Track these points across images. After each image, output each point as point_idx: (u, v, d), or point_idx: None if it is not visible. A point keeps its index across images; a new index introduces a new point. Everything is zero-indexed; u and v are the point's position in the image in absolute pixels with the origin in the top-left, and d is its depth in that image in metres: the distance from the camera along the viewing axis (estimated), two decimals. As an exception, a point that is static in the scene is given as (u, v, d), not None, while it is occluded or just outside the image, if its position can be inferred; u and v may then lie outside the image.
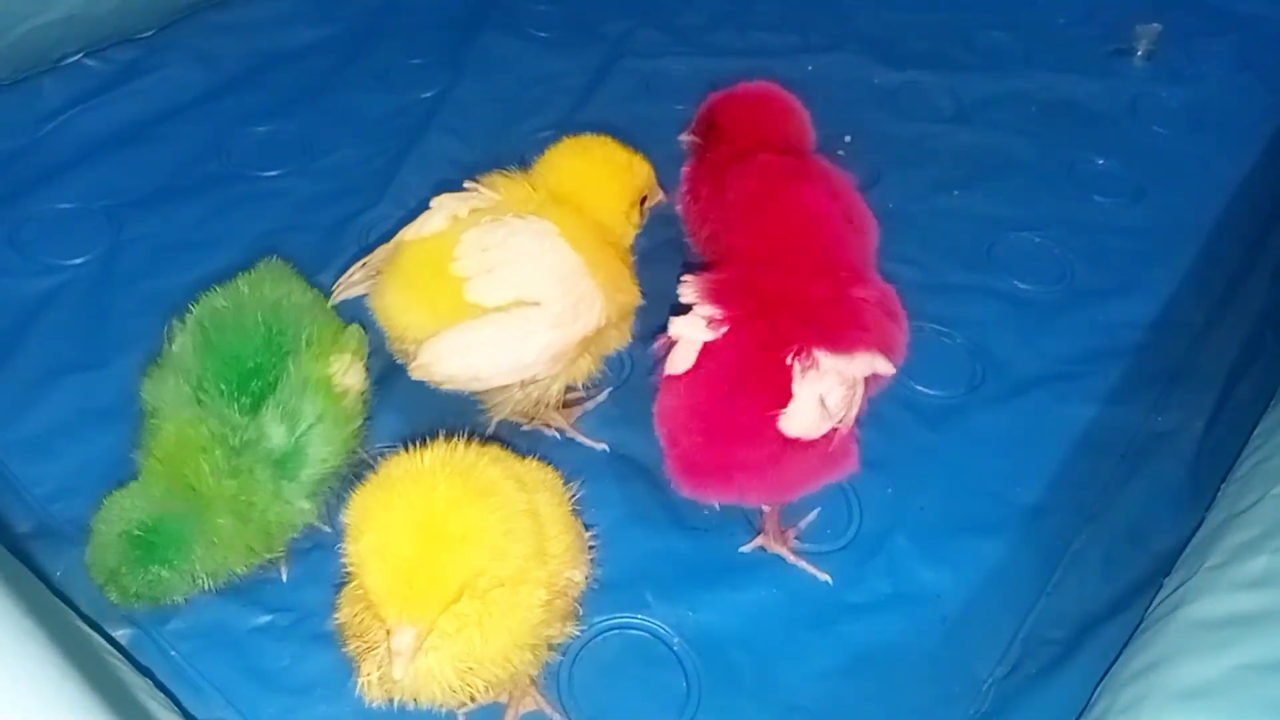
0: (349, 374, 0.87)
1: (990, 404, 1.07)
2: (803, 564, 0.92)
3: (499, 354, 0.87)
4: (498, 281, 0.87)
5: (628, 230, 1.00)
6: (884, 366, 0.83)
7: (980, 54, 1.59)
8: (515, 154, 1.34)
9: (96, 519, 0.78)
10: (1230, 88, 1.54)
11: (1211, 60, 1.59)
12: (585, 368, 0.95)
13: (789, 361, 0.80)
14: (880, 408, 1.02)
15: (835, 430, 0.82)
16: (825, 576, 0.91)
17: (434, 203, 0.94)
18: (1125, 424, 1.06)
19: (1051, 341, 1.14)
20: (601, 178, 0.97)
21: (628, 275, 0.95)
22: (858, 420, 0.85)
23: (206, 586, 0.80)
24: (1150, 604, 0.82)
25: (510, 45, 1.53)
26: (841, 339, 0.82)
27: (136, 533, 0.76)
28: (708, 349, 0.83)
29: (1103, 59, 1.59)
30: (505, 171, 0.97)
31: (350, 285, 0.98)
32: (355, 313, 0.96)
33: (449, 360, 0.87)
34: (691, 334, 0.84)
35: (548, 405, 0.96)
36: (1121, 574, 0.92)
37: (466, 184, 0.96)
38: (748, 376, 0.81)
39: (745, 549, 0.93)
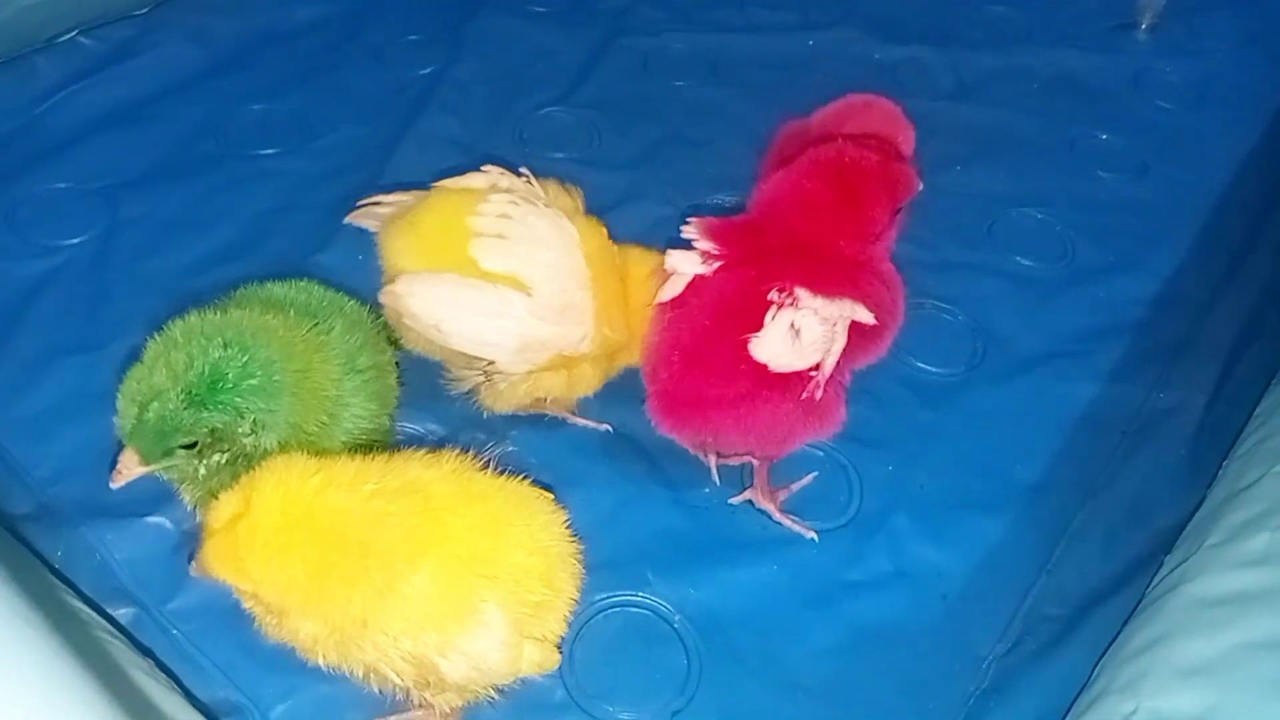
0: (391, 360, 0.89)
1: (991, 381, 1.07)
2: (788, 522, 0.92)
3: (466, 317, 0.87)
4: (503, 249, 0.87)
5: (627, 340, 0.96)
6: (864, 315, 0.82)
7: (982, 29, 1.57)
8: (514, 131, 1.34)
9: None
10: (1234, 62, 1.53)
11: (1215, 35, 1.57)
12: (554, 386, 0.93)
13: (769, 296, 0.81)
14: (880, 385, 1.03)
15: (811, 376, 0.82)
16: (812, 534, 0.92)
17: (485, 167, 0.95)
18: (1126, 401, 1.05)
19: (1053, 318, 1.14)
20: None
21: (624, 318, 0.93)
22: (844, 385, 0.87)
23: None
24: (1151, 581, 0.82)
25: (508, 22, 1.52)
26: (825, 285, 0.82)
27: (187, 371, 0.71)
28: (696, 287, 0.84)
29: (1106, 33, 1.58)
30: (566, 186, 0.97)
31: (370, 213, 0.99)
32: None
33: (418, 299, 0.86)
34: (684, 266, 0.85)
35: (508, 405, 0.95)
36: (1122, 551, 0.92)
37: (523, 169, 0.95)
38: (728, 313, 0.82)
39: (734, 500, 0.94)
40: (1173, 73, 1.50)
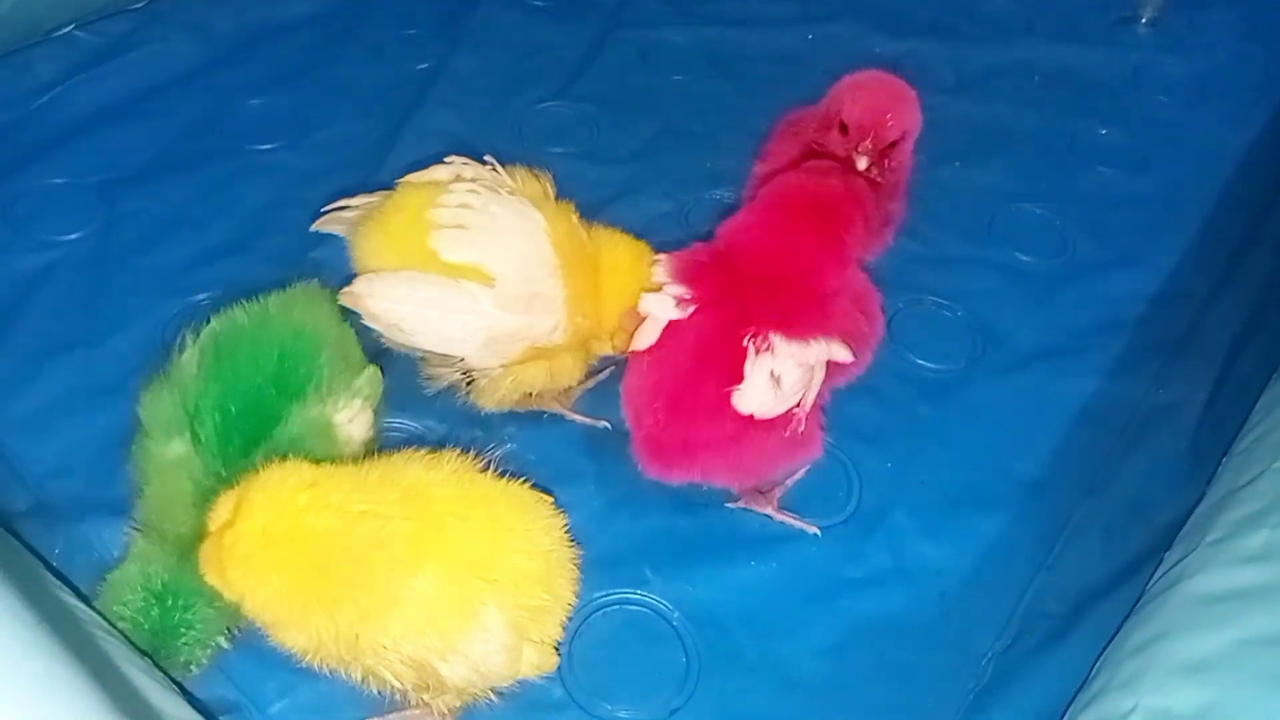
0: (355, 423, 0.83)
1: (991, 377, 1.07)
2: (788, 519, 0.92)
3: (428, 315, 0.85)
4: (463, 240, 0.85)
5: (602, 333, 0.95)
6: (841, 353, 0.83)
7: (982, 23, 1.57)
8: (512, 126, 1.34)
9: (101, 603, 0.77)
10: (1235, 57, 1.52)
11: (1216, 29, 1.57)
12: (536, 379, 0.92)
13: (745, 343, 0.81)
14: (880, 382, 1.02)
15: (794, 413, 0.82)
16: (814, 529, 0.92)
17: (449, 159, 0.94)
18: (1126, 397, 1.05)
19: (1052, 314, 1.14)
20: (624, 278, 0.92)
21: (596, 305, 0.91)
22: (824, 407, 0.87)
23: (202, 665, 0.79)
24: (1150, 578, 0.81)
25: (506, 16, 1.51)
26: (800, 325, 0.82)
27: (143, 624, 0.75)
28: (673, 329, 0.84)
29: (1106, 28, 1.57)
30: (535, 171, 0.95)
31: (337, 218, 0.97)
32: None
33: (377, 299, 0.85)
34: (659, 311, 0.84)
35: (495, 401, 0.94)
36: (1121, 548, 0.92)
37: (488, 157, 0.94)
38: (708, 356, 0.82)
39: (731, 505, 0.93)
40: (1173, 67, 1.50)
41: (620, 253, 0.94)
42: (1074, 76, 1.48)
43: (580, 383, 1.01)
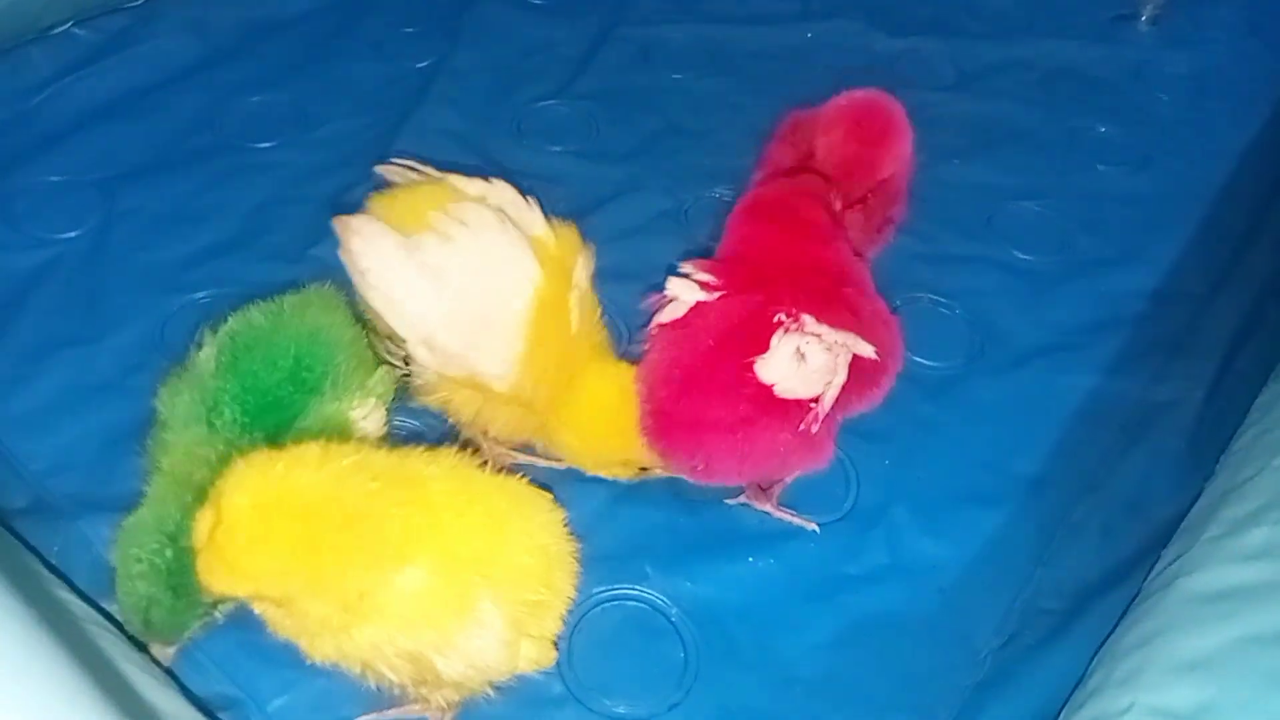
0: (370, 420, 0.83)
1: (990, 374, 1.07)
2: (787, 516, 0.92)
3: (398, 278, 0.83)
4: (447, 248, 0.83)
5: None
6: (865, 349, 0.82)
7: (982, 20, 1.57)
8: (512, 123, 1.34)
9: (116, 548, 0.75)
10: (1236, 54, 1.52)
11: (1217, 26, 1.57)
12: (463, 407, 0.88)
13: (775, 320, 0.81)
14: (880, 379, 1.03)
15: (811, 407, 0.82)
16: (813, 526, 0.92)
17: (495, 181, 0.91)
18: (1125, 395, 1.05)
19: (1052, 312, 1.14)
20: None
21: (557, 389, 0.86)
22: (836, 424, 0.86)
23: (218, 617, 0.79)
24: (1148, 575, 0.81)
25: (506, 13, 1.51)
26: (830, 315, 0.82)
27: (160, 565, 0.74)
28: (699, 310, 0.84)
29: (1107, 25, 1.57)
30: (581, 239, 0.90)
31: (399, 167, 0.96)
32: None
33: (361, 238, 0.83)
34: (686, 293, 0.85)
35: (428, 400, 0.91)
36: (1120, 545, 0.92)
37: (531, 197, 0.90)
38: (732, 336, 0.82)
39: (730, 501, 0.93)
40: (1174, 64, 1.50)
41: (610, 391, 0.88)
42: (1074, 74, 1.48)
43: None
